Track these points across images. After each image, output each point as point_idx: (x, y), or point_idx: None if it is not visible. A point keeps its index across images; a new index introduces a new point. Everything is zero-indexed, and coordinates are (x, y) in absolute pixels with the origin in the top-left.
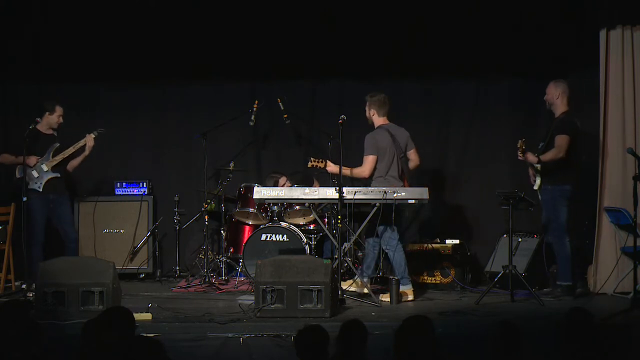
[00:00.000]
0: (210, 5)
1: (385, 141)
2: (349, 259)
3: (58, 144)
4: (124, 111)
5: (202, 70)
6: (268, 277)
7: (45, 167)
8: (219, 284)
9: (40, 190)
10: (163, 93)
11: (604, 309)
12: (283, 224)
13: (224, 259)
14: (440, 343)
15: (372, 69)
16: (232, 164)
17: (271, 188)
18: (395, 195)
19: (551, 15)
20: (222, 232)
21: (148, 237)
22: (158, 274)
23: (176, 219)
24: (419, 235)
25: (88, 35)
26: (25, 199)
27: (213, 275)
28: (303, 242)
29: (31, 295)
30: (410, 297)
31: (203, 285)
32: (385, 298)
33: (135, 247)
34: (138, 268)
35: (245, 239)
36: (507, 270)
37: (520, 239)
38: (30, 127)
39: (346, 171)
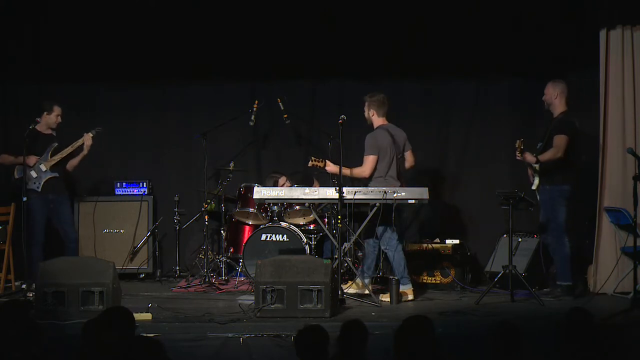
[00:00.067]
0: (210, 5)
1: (386, 141)
2: (349, 259)
3: (56, 144)
4: (124, 111)
5: (202, 70)
6: (268, 277)
7: (43, 167)
8: (219, 284)
9: (39, 190)
10: (163, 93)
11: (604, 309)
12: (283, 224)
13: (224, 259)
14: (440, 343)
15: (372, 69)
16: (232, 164)
17: (271, 188)
18: (395, 195)
19: (551, 15)
20: (222, 232)
21: (148, 237)
22: (158, 274)
23: (176, 219)
24: (419, 235)
25: (88, 35)
26: (25, 199)
27: (213, 275)
28: (303, 242)
29: (31, 295)
30: (410, 297)
31: (203, 285)
32: (385, 298)
33: (135, 247)
34: (138, 268)
35: (245, 239)
36: (507, 270)
37: (520, 239)
38: (30, 127)
39: (346, 171)
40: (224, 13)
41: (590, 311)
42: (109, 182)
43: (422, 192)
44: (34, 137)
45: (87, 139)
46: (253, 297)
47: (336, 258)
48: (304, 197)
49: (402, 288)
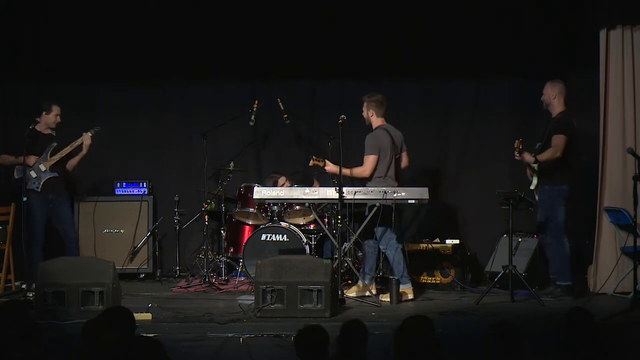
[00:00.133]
0: (210, 5)
1: (386, 142)
2: (349, 259)
3: (55, 144)
4: (124, 111)
5: (202, 70)
6: (268, 277)
7: (43, 167)
8: (219, 284)
9: (39, 190)
10: (163, 93)
11: (604, 309)
12: (283, 224)
13: (224, 259)
14: (440, 343)
15: (372, 69)
16: (232, 164)
17: (271, 188)
18: (395, 195)
19: (551, 15)
20: (222, 232)
21: (148, 237)
22: (158, 274)
23: (176, 219)
24: (419, 235)
25: (88, 35)
26: (25, 199)
27: (213, 275)
28: (303, 242)
29: (31, 295)
30: (410, 296)
31: (203, 285)
32: (385, 298)
33: (135, 247)
34: (138, 268)
35: (245, 239)
36: (507, 270)
37: (520, 239)
38: (30, 127)
39: (346, 171)
40: (224, 13)
41: (590, 311)
42: (109, 182)
43: (422, 192)
44: (33, 137)
45: (86, 138)
46: (253, 297)
47: (336, 258)
48: (304, 197)
49: (402, 287)
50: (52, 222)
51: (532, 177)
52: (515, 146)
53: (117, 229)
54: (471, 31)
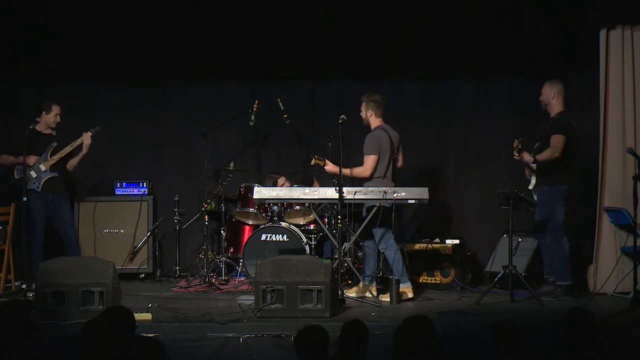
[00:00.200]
0: (210, 5)
1: (386, 142)
2: (349, 259)
3: (55, 144)
4: (124, 111)
5: (202, 70)
6: (268, 277)
7: (43, 167)
8: (219, 284)
9: (39, 190)
10: (163, 93)
11: (604, 309)
12: (283, 224)
13: (224, 259)
14: (440, 343)
15: (372, 69)
16: (232, 164)
17: (271, 188)
18: (395, 195)
19: (551, 15)
20: (222, 232)
21: (148, 237)
22: (158, 274)
23: (176, 219)
24: (419, 235)
25: (88, 35)
26: (25, 199)
27: (213, 275)
28: (303, 242)
29: (31, 295)
30: (410, 295)
31: (203, 285)
32: (385, 298)
33: (135, 247)
34: (138, 268)
35: (245, 239)
36: (507, 270)
37: (520, 239)
38: (30, 127)
39: (346, 171)
40: (224, 13)
41: (590, 311)
42: (109, 182)
43: (422, 192)
44: (34, 137)
45: (86, 138)
46: (253, 297)
47: (336, 258)
48: (304, 197)
49: (401, 287)
50: (52, 222)
51: (530, 176)
52: (515, 146)
53: (117, 229)
54: (471, 31)
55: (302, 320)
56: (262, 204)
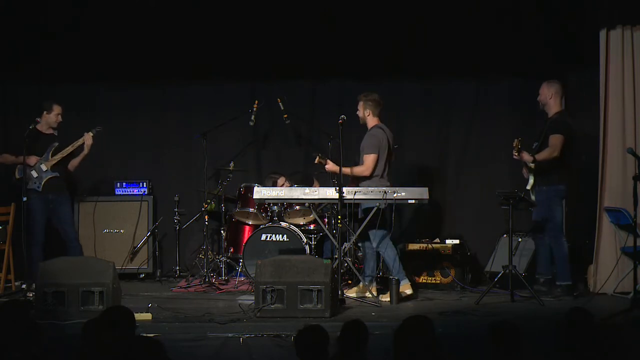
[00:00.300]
0: (210, 5)
1: (384, 141)
2: (349, 259)
3: (57, 144)
4: (124, 111)
5: (202, 70)
6: (268, 277)
7: (44, 167)
8: (219, 284)
9: (40, 190)
10: (163, 93)
11: (604, 309)
12: (283, 224)
13: (224, 259)
14: (440, 343)
15: (372, 69)
16: (232, 164)
17: (271, 188)
18: (395, 195)
19: (551, 15)
20: (222, 232)
21: (148, 237)
22: (158, 274)
23: (176, 219)
24: (419, 235)
25: (88, 35)
26: (25, 199)
27: (213, 275)
28: (303, 242)
29: (31, 295)
30: (409, 292)
31: (203, 285)
32: (385, 298)
33: (135, 247)
34: (138, 268)
35: (245, 239)
36: (507, 270)
37: (520, 239)
38: (30, 127)
39: (346, 170)
40: (224, 13)
41: (590, 311)
42: (109, 182)
43: (422, 192)
44: (34, 137)
45: (88, 138)
46: (253, 297)
47: (336, 258)
48: (304, 197)
49: (400, 285)
50: (52, 222)
51: (528, 176)
52: (514, 145)
53: (117, 229)
54: (471, 31)
55: (302, 320)
56: (262, 204)
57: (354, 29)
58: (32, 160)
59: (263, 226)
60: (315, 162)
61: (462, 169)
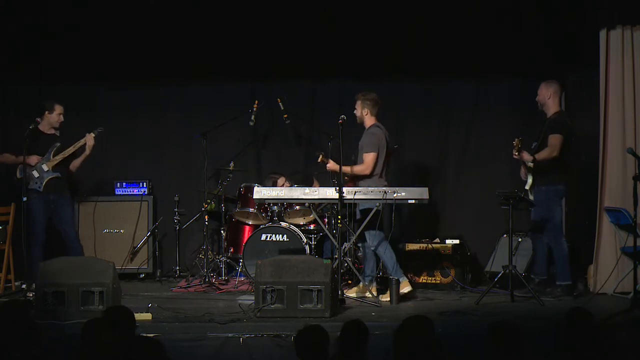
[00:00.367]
0: (210, 5)
1: (383, 140)
2: (349, 259)
3: (59, 144)
4: (124, 111)
5: (202, 70)
6: (268, 277)
7: (45, 167)
8: (219, 284)
9: (41, 190)
10: (163, 93)
11: (604, 309)
12: (283, 224)
13: (224, 259)
14: (440, 343)
15: (372, 69)
16: (232, 164)
17: (271, 188)
18: (395, 195)
19: (551, 15)
20: (222, 232)
21: (148, 237)
22: (158, 274)
23: (176, 219)
24: (419, 235)
25: (88, 35)
26: (25, 199)
27: (213, 275)
28: (303, 242)
29: (31, 295)
30: (408, 289)
31: (203, 285)
32: (385, 298)
33: (135, 247)
34: (138, 268)
35: (245, 239)
36: (507, 270)
37: (520, 239)
38: (30, 127)
39: (346, 169)
40: (224, 13)
41: (590, 311)
42: (109, 182)
43: (422, 192)
44: (36, 137)
45: (89, 139)
46: (253, 297)
47: (336, 258)
48: (304, 197)
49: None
50: (52, 222)
51: (526, 176)
52: (515, 144)
53: (117, 229)
54: (471, 31)
55: (302, 320)
56: (262, 204)
57: (354, 29)
58: (34, 160)
59: (263, 226)
60: (319, 160)
61: (462, 169)
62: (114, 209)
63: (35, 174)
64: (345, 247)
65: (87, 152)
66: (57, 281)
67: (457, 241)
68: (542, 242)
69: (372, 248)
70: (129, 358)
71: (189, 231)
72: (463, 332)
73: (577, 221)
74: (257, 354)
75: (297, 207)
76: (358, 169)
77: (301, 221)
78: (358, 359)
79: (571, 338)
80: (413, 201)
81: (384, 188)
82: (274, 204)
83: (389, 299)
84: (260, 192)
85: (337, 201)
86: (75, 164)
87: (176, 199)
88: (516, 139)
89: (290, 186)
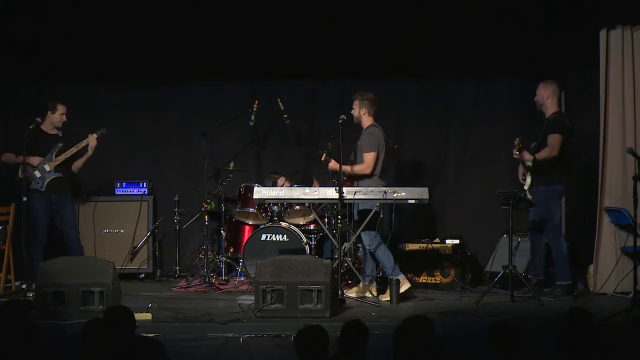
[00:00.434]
0: (210, 5)
1: (382, 140)
2: (349, 259)
3: (61, 144)
4: (124, 111)
5: (202, 70)
6: (268, 277)
7: (47, 167)
8: (219, 284)
9: (43, 190)
10: (163, 93)
11: (604, 309)
12: (283, 224)
13: (224, 259)
14: (440, 343)
15: (372, 69)
16: (232, 164)
17: (271, 188)
18: (395, 195)
19: (551, 15)
20: (222, 232)
21: (148, 237)
22: (158, 274)
23: (176, 219)
24: (419, 235)
25: (88, 35)
26: (25, 198)
27: (213, 275)
28: (303, 242)
29: (31, 295)
30: (407, 286)
31: (203, 285)
32: (385, 298)
33: (135, 247)
34: (138, 268)
35: (245, 239)
36: (507, 270)
37: (520, 239)
38: (31, 127)
39: (347, 168)
40: (224, 13)
41: (590, 311)
42: (109, 182)
43: (422, 192)
44: (38, 137)
45: (92, 140)
46: (253, 297)
47: (336, 258)
48: (304, 197)
49: None
50: (54, 222)
51: (525, 176)
52: (515, 144)
53: (117, 229)
54: (471, 31)
55: (302, 320)
56: (262, 204)
57: (354, 29)
58: (35, 160)
59: (263, 226)
60: (322, 159)
61: (462, 169)
62: (114, 209)
63: (38, 174)
64: (345, 247)
65: (90, 153)
66: (57, 281)
67: (457, 241)
68: (540, 242)
69: (371, 250)
70: (129, 358)
71: (189, 231)
72: (463, 332)
73: (577, 221)
74: (257, 354)
75: (297, 207)
76: (358, 168)
77: (301, 221)
78: (358, 359)
79: (571, 338)
80: (413, 201)
81: (384, 188)
82: (274, 204)
83: (388, 299)
84: (260, 192)
85: (337, 201)
86: (77, 164)
87: (176, 199)
88: (517, 139)
89: (290, 186)
